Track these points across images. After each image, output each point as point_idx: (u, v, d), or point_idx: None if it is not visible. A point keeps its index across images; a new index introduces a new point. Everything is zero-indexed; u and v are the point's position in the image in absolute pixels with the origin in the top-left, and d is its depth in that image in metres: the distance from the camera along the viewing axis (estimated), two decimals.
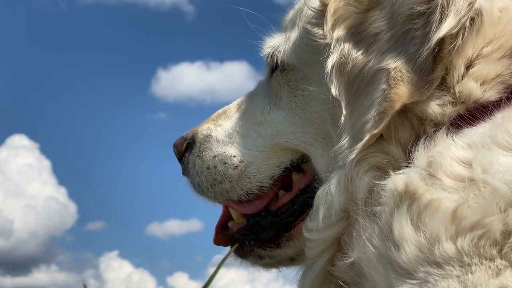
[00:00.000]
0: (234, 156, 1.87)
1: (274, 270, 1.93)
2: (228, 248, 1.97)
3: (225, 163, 1.87)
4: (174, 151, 2.04)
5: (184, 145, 2.01)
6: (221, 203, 1.96)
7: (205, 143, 1.96)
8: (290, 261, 1.86)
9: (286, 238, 1.81)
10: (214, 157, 1.91)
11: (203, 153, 1.94)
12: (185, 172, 2.00)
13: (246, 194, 1.84)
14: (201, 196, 1.96)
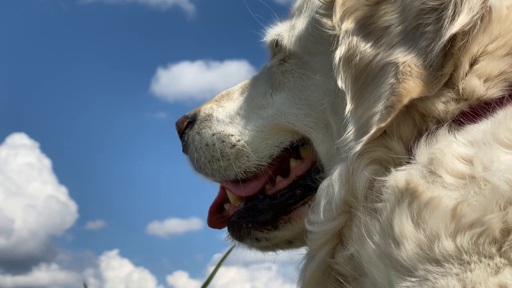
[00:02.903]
0: (232, 135, 1.89)
1: (271, 253, 1.94)
2: (228, 247, 1.98)
3: (223, 142, 1.90)
4: (176, 129, 2.07)
5: (185, 122, 2.04)
6: (219, 182, 1.98)
7: (206, 121, 1.99)
8: (288, 244, 1.88)
9: (284, 221, 1.82)
10: (213, 135, 1.94)
11: (203, 130, 1.97)
12: (185, 148, 2.03)
13: (244, 172, 1.86)
14: (199, 173, 1.98)
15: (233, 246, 1.89)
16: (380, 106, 1.35)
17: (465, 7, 1.33)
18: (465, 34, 1.33)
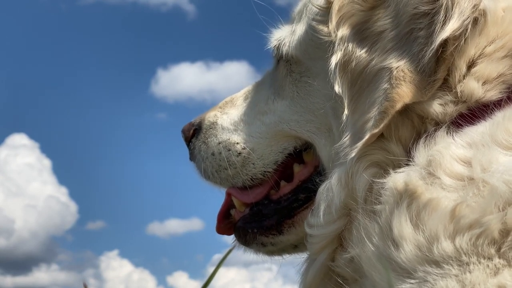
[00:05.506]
0: (237, 143, 1.91)
1: (277, 258, 1.95)
2: (228, 247, 1.99)
3: (229, 150, 1.92)
4: (182, 137, 2.10)
5: (191, 131, 2.06)
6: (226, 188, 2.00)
7: (211, 130, 2.01)
8: (293, 248, 1.89)
9: (288, 225, 1.84)
10: (219, 143, 1.95)
11: (209, 140, 1.99)
12: (192, 157, 2.06)
13: (251, 179, 1.88)
14: (207, 181, 2.00)
15: (233, 247, 1.91)
16: (374, 112, 1.36)
17: (455, 12, 1.32)
18: (456, 39, 1.33)
